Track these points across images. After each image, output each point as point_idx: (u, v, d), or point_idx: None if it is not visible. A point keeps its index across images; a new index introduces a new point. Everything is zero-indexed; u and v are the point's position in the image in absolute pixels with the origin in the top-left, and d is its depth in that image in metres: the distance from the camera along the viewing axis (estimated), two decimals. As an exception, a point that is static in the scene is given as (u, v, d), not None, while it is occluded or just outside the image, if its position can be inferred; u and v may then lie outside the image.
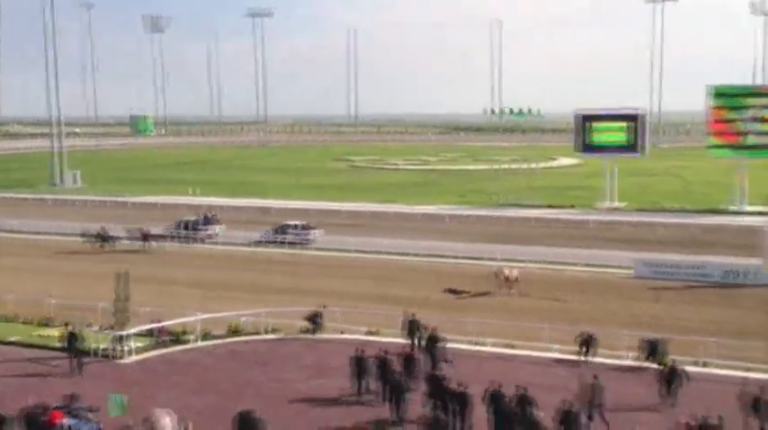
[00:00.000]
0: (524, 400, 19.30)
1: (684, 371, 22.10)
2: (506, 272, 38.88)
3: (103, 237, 52.65)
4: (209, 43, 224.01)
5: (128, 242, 52.49)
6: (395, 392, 21.19)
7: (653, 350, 25.04)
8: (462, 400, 19.88)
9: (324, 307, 30.56)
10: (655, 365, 24.04)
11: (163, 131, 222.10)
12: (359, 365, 22.89)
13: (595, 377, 20.76)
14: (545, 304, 35.84)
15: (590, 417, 19.62)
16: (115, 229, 53.76)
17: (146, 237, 52.48)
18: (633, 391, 22.96)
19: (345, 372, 23.42)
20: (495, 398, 19.67)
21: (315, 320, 29.70)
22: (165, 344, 27.97)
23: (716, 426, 17.87)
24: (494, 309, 34.52)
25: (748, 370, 24.09)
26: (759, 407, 19.48)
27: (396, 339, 27.29)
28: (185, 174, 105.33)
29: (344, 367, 23.62)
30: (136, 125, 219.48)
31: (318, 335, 29.24)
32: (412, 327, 26.78)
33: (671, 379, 21.87)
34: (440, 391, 20.47)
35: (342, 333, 29.36)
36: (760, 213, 58.08)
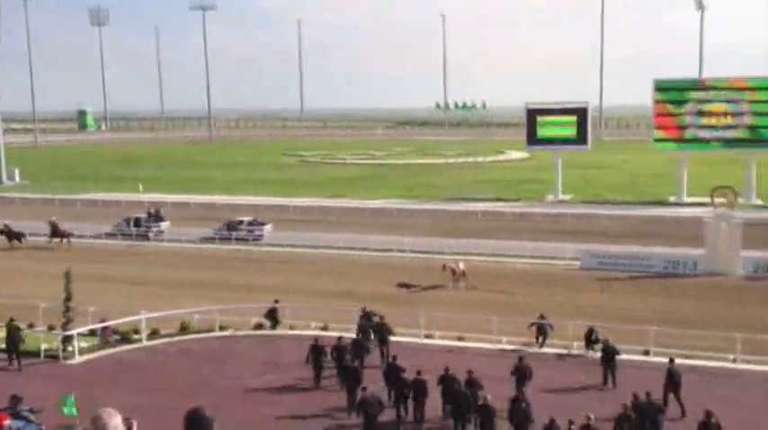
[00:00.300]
0: (472, 383, 20.29)
1: (616, 349, 23.09)
2: (453, 265, 39.29)
3: (8, 234, 51.23)
4: (153, 37, 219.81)
5: (45, 239, 51.14)
6: (350, 380, 21.62)
7: (590, 337, 25.64)
8: (420, 389, 20.43)
9: (276, 302, 30.54)
10: (596, 353, 24.63)
11: (104, 127, 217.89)
12: (315, 354, 23.48)
13: (521, 359, 22.18)
14: (493, 297, 36.33)
15: (519, 393, 20.54)
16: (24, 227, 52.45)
17: (57, 230, 50.74)
18: (576, 378, 23.50)
19: (298, 367, 23.46)
20: (446, 382, 20.47)
21: (273, 316, 29.64)
22: (111, 344, 27.61)
23: (658, 405, 18.72)
24: (444, 302, 34.87)
25: (688, 357, 24.79)
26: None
27: (349, 334, 27.41)
28: (130, 170, 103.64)
29: (297, 362, 23.64)
30: (81, 121, 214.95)
31: (270, 331, 29.20)
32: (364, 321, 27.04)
33: (606, 356, 22.94)
34: (397, 381, 20.95)
35: (293, 328, 29.36)
36: (700, 204, 59.55)
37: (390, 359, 22.91)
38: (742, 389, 22.28)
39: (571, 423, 17.55)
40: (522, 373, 21.80)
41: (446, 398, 20.39)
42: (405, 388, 20.72)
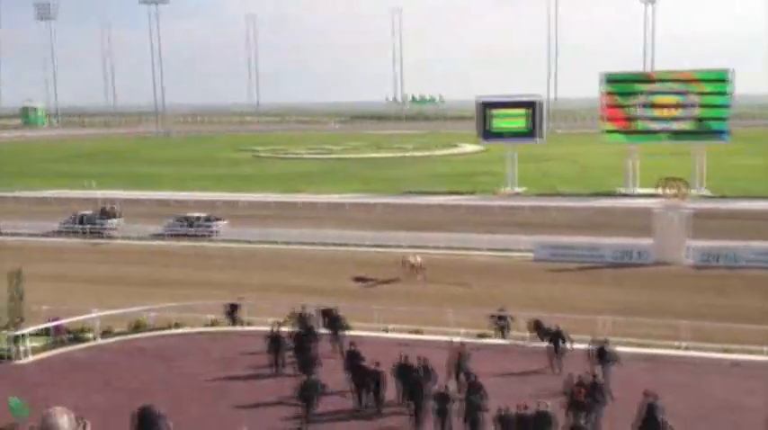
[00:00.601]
0: (427, 371, 20.70)
1: (567, 335, 23.72)
2: (411, 259, 39.46)
3: None
4: (103, 31, 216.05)
5: None
6: (309, 366, 22.25)
7: (539, 327, 25.95)
8: (378, 378, 20.90)
9: (241, 298, 30.35)
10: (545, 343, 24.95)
11: (55, 123, 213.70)
12: (275, 342, 24.09)
13: (462, 344, 22.76)
14: (450, 289, 36.58)
15: (457, 377, 21.23)
16: None
17: None
18: (528, 367, 23.80)
19: (253, 363, 23.37)
20: (402, 370, 20.84)
21: (233, 313, 29.46)
22: (63, 343, 27.16)
23: (601, 385, 19.43)
24: (401, 295, 35.02)
25: (639, 345, 25.28)
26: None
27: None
28: (81, 166, 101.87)
29: (252, 358, 23.55)
30: (27, 117, 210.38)
31: (226, 328, 29.01)
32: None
33: (556, 341, 23.55)
34: (357, 369, 21.41)
35: (248, 324, 29.21)
36: (650, 196, 60.63)
37: (350, 347, 22.97)
38: (691, 375, 22.79)
39: (526, 407, 17.82)
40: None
41: (404, 388, 20.67)
42: (365, 376, 21.09)
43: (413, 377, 20.50)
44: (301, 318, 26.15)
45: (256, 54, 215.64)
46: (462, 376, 20.94)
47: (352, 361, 21.86)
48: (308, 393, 20.27)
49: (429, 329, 28.08)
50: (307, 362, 22.69)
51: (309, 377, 20.99)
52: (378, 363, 21.12)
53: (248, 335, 27.66)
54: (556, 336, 23.92)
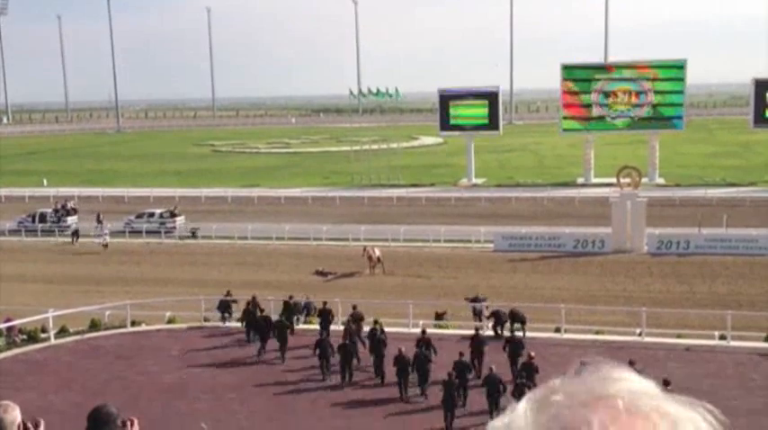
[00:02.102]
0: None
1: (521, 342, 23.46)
2: (370, 251, 39.42)
3: None
4: (54, 26, 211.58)
5: None
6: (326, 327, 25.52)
7: (498, 319, 26.10)
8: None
9: (228, 293, 30.00)
10: (505, 333, 25.14)
11: (5, 120, 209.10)
12: (249, 319, 26.35)
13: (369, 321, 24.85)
14: (410, 281, 36.66)
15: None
16: None
17: None
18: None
19: (212, 360, 23.16)
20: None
21: (226, 309, 29.02)
22: (18, 344, 26.63)
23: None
24: (360, 288, 35.00)
25: (597, 333, 25.63)
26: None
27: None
28: (34, 164, 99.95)
29: (211, 355, 23.32)
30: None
31: (184, 325, 28.70)
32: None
33: (513, 349, 22.89)
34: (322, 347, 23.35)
35: (207, 321, 28.94)
36: (607, 185, 61.34)
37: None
38: (648, 361, 23.12)
39: (491, 369, 19.76)
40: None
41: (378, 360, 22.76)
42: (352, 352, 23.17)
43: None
44: (287, 306, 27.40)
45: (211, 48, 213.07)
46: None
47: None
48: (324, 350, 22.72)
49: (387, 321, 28.06)
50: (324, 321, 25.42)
51: (324, 337, 23.61)
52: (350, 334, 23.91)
53: (206, 332, 27.43)
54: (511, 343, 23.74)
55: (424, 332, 23.49)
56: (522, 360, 21.14)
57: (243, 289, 33.73)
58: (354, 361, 23.08)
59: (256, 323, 25.84)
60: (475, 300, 28.42)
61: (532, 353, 20.94)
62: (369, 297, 31.64)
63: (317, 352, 23.01)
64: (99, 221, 53.49)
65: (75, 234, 50.27)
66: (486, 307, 27.74)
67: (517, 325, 25.28)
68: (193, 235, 49.83)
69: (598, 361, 1.20)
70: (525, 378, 19.74)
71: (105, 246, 47.48)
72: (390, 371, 21.68)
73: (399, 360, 21.37)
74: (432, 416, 19.83)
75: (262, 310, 26.99)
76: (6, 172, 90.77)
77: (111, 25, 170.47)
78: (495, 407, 18.86)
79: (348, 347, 22.99)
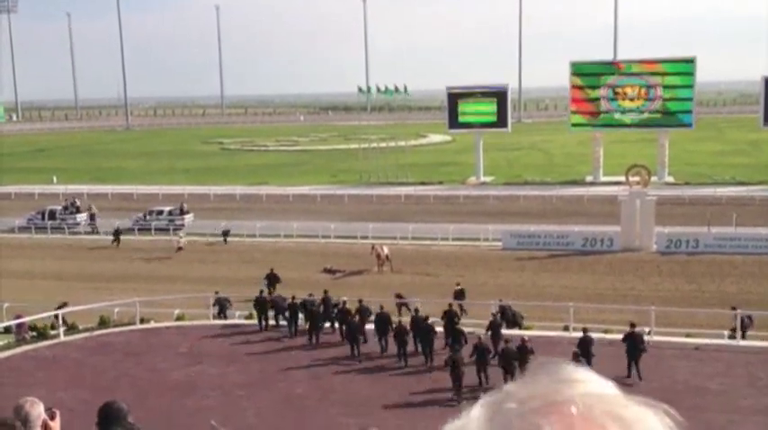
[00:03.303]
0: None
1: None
2: (378, 249, 39.43)
3: None
4: (64, 23, 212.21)
5: None
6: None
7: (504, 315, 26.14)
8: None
9: (217, 292, 30.14)
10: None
11: (15, 118, 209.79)
12: (259, 305, 27.38)
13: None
14: (417, 279, 36.66)
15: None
16: None
17: None
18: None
19: (221, 357, 23.24)
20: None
21: (222, 306, 29.21)
22: (27, 341, 26.76)
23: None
24: (369, 286, 35.00)
25: (606, 331, 25.56)
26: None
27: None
28: (43, 161, 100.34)
29: (220, 352, 23.40)
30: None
31: (193, 322, 28.79)
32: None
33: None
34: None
35: (215, 317, 29.03)
36: (616, 183, 61.19)
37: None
38: (656, 359, 23.07)
39: (507, 341, 21.43)
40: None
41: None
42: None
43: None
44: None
45: (220, 45, 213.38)
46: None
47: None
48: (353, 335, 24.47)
49: (395, 319, 28.07)
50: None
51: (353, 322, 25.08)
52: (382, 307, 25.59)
53: (215, 329, 27.51)
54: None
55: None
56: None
57: (251, 286, 33.84)
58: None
59: (275, 304, 27.21)
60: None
61: (526, 337, 22.22)
62: (377, 295, 31.59)
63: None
64: (92, 218, 53.90)
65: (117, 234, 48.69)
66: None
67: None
68: (225, 236, 47.24)
69: (557, 361, 1.16)
70: (519, 361, 20.85)
71: (180, 248, 44.94)
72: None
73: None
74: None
75: (278, 281, 29.71)
76: (16, 169, 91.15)
77: (121, 23, 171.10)
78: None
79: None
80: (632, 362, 21.73)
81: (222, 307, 29.34)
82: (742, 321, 24.82)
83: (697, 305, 30.52)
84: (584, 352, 21.08)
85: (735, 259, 38.85)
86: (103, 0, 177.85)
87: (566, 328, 26.10)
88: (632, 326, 22.54)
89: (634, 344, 21.82)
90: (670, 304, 30.12)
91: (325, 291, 27.99)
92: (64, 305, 28.74)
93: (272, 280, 33.26)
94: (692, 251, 40.59)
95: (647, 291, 33.91)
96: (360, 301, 26.69)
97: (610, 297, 31.63)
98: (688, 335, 25.30)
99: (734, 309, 25.79)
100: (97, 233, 51.36)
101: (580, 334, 23.26)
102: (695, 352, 23.54)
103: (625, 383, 20.70)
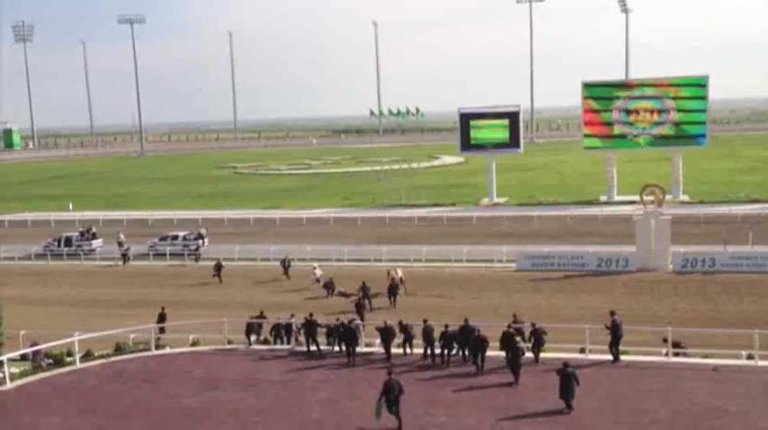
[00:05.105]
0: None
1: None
2: (393, 274, 39.25)
3: None
4: (79, 51, 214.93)
5: None
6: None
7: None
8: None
9: (261, 315, 30.17)
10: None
11: (31, 145, 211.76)
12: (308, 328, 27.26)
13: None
14: (431, 301, 36.54)
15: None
16: None
17: None
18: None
19: (236, 383, 23.18)
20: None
21: (253, 332, 29.16)
22: (44, 368, 26.81)
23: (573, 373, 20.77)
24: (382, 309, 34.89)
25: (622, 353, 25.31)
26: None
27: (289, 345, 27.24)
28: (59, 188, 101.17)
29: (235, 378, 23.33)
30: (6, 139, 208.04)
31: (207, 347, 28.76)
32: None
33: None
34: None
35: (230, 343, 28.99)
36: (630, 202, 61.06)
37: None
38: (673, 381, 22.84)
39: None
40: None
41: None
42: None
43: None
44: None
45: (233, 71, 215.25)
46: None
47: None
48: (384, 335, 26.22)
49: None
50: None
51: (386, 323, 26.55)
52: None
53: (231, 354, 27.48)
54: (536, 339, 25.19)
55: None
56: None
57: (266, 310, 33.83)
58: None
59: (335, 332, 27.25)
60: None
61: (536, 324, 25.04)
62: (390, 317, 31.48)
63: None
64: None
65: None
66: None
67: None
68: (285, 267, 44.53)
69: None
70: (534, 344, 24.41)
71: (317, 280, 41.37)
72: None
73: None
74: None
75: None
76: (33, 196, 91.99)
77: (135, 50, 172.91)
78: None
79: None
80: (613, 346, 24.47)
81: (252, 331, 29.25)
82: None
83: (715, 325, 30.23)
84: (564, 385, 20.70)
85: (752, 278, 38.53)
86: (118, 28, 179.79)
87: (582, 351, 25.89)
88: (612, 313, 25.20)
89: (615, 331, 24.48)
90: (687, 324, 29.85)
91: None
92: (163, 314, 31.94)
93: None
94: (709, 270, 40.29)
95: (663, 311, 33.63)
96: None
97: (626, 318, 31.20)
98: (706, 356, 25.04)
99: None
100: (128, 260, 50.72)
101: (598, 356, 23.05)
102: (714, 373, 23.28)
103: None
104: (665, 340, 25.43)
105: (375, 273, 40.54)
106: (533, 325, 25.68)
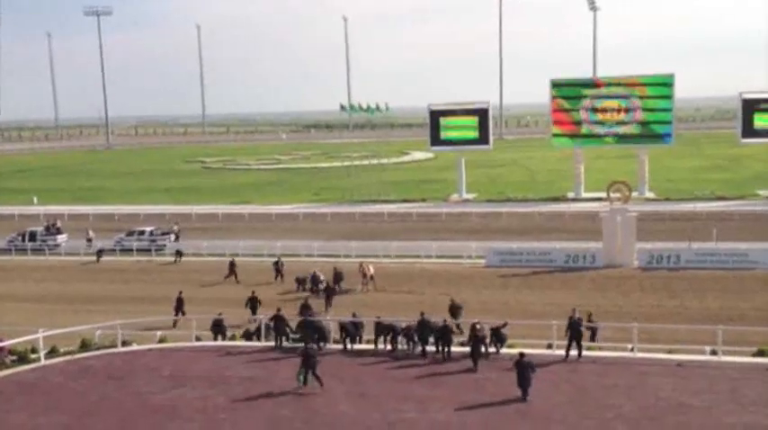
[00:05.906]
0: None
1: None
2: (365, 268, 39.36)
3: None
4: (44, 43, 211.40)
5: None
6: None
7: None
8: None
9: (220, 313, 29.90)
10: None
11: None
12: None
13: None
14: (400, 297, 36.63)
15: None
16: None
17: None
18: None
19: (204, 379, 23.04)
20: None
21: (219, 328, 28.93)
22: (7, 365, 26.40)
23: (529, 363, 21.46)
24: (352, 305, 34.84)
25: (589, 349, 25.59)
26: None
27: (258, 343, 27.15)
28: (24, 182, 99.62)
29: (202, 374, 23.18)
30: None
31: (175, 344, 28.53)
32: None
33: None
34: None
35: (198, 339, 28.79)
36: (597, 199, 61.61)
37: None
38: (639, 376, 23.13)
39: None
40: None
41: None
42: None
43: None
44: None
45: (201, 64, 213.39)
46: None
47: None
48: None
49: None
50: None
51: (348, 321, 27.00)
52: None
53: (197, 351, 27.28)
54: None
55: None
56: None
57: (233, 307, 33.67)
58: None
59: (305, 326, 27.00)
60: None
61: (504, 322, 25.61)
62: (359, 314, 31.50)
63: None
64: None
65: (179, 253, 48.93)
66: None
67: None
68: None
69: None
70: (496, 340, 25.07)
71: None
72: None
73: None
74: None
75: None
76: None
77: (101, 42, 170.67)
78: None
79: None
80: (572, 343, 24.55)
81: (219, 329, 29.07)
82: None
83: (679, 321, 30.69)
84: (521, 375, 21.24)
85: (716, 274, 39.13)
86: (84, 20, 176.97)
87: (549, 346, 26.09)
88: (573, 311, 25.54)
89: (576, 328, 24.66)
90: (652, 320, 30.27)
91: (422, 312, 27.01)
92: (181, 299, 33.47)
93: (254, 303, 32.85)
94: (674, 267, 40.85)
95: (629, 307, 34.06)
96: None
97: (593, 314, 31.62)
98: (670, 352, 25.38)
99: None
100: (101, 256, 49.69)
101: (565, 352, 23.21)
102: (678, 368, 23.60)
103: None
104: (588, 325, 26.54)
105: (346, 269, 40.45)
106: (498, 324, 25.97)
